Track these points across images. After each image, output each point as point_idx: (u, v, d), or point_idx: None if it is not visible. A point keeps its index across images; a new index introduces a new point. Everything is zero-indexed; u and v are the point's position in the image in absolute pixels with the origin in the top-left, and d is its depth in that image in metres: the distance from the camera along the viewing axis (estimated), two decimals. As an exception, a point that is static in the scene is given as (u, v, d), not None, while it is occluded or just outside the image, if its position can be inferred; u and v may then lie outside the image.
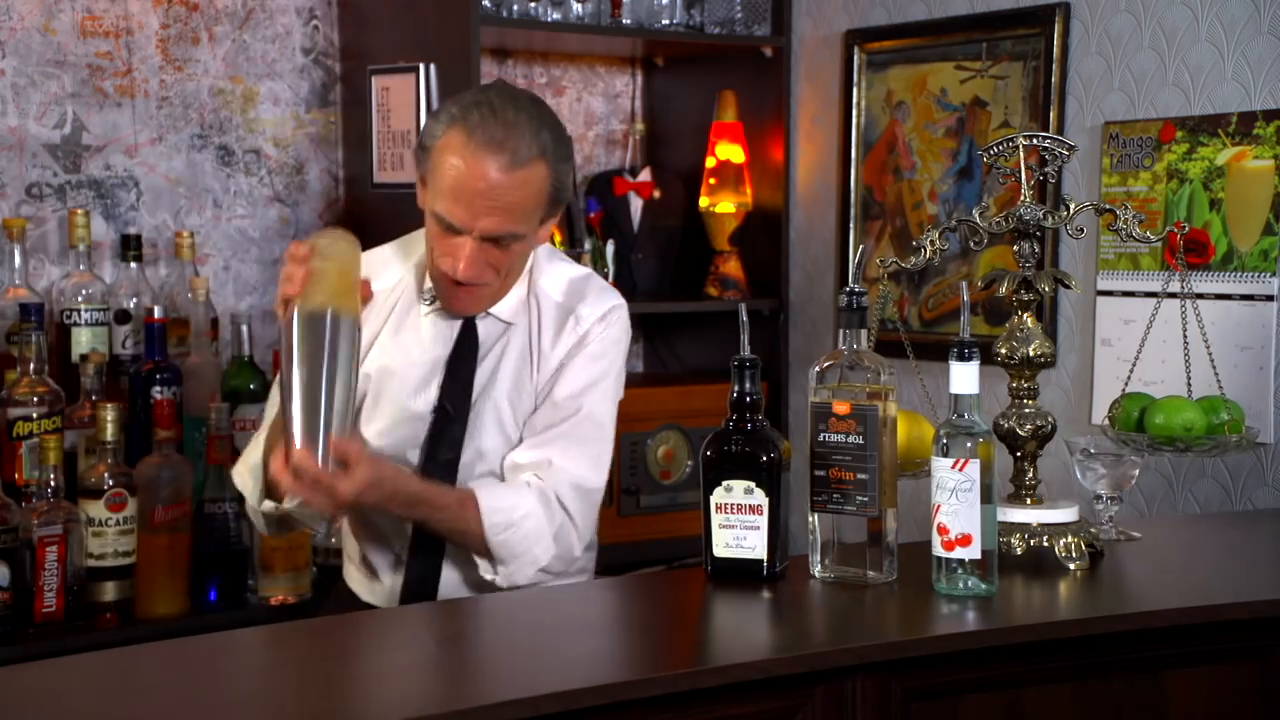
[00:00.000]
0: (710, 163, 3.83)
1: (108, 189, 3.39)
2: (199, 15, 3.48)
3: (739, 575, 2.18)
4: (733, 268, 3.83)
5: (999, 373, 2.37)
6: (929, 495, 2.13)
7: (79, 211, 3.22)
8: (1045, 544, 2.27)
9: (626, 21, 3.73)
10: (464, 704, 1.73)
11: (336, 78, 3.65)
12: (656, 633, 2.12)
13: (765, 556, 2.17)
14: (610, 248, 3.73)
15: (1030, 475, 2.34)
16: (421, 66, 3.39)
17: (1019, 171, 2.37)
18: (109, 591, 2.95)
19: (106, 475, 2.93)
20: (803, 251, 3.85)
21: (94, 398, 3.04)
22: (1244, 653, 2.16)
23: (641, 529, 3.57)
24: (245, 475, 2.47)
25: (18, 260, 3.17)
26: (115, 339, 3.24)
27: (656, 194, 3.91)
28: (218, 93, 3.52)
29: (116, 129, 3.40)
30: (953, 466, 2.09)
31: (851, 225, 3.71)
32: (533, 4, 3.56)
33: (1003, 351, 2.34)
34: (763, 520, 2.17)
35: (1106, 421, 2.48)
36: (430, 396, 2.47)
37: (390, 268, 2.51)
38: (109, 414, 2.91)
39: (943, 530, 2.10)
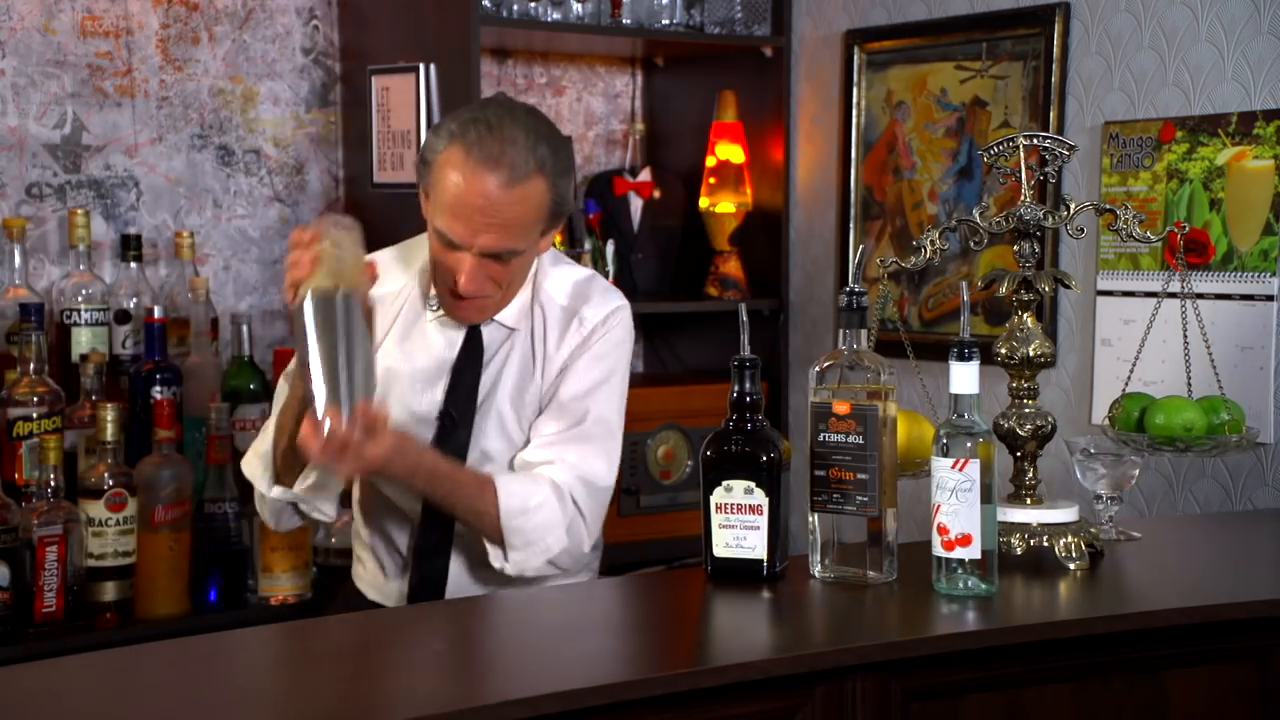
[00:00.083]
0: (710, 163, 3.83)
1: (108, 189, 3.39)
2: (199, 15, 3.48)
3: (739, 575, 2.18)
4: (733, 268, 3.83)
5: (999, 373, 2.37)
6: (929, 495, 2.13)
7: (79, 211, 3.22)
8: (1045, 544, 2.27)
9: (626, 21, 3.73)
10: (464, 704, 1.73)
11: (336, 78, 3.65)
12: (656, 633, 2.12)
13: (765, 556, 2.17)
14: (610, 248, 3.73)
15: (1030, 475, 2.34)
16: (421, 66, 3.39)
17: (1019, 171, 2.37)
18: (109, 591, 2.95)
19: (106, 475, 2.93)
20: (803, 251, 3.85)
21: (94, 398, 3.04)
22: (1243, 653, 2.16)
23: (641, 529, 3.57)
24: (255, 464, 2.47)
25: (18, 260, 3.17)
26: (115, 339, 3.24)
27: (656, 194, 3.91)
28: (218, 93, 3.52)
29: (116, 129, 3.40)
30: (953, 466, 2.09)
31: (851, 225, 3.71)
32: (533, 4, 3.56)
33: (1003, 351, 2.34)
34: (763, 520, 2.17)
35: (1106, 421, 2.48)
36: (435, 401, 2.48)
37: (392, 273, 2.52)
38: (109, 414, 2.91)
39: (943, 530, 2.11)
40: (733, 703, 1.86)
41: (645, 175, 3.92)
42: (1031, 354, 2.33)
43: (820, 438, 2.17)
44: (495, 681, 1.88)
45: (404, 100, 3.42)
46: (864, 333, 2.20)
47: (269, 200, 3.59)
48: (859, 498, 2.15)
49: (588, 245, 3.70)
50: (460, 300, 2.42)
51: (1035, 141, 2.38)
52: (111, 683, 1.86)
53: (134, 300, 3.26)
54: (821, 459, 2.17)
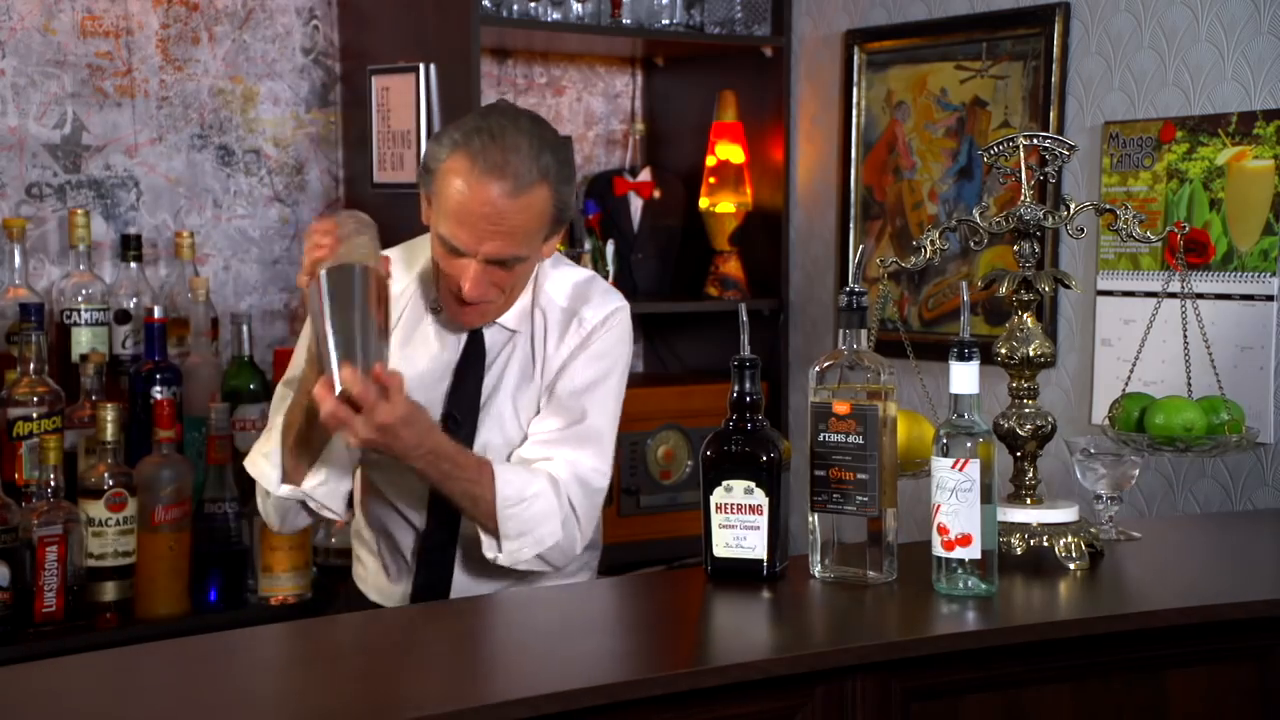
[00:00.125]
0: (710, 162, 3.83)
1: (108, 189, 3.39)
2: (199, 15, 3.48)
3: (739, 575, 2.18)
4: (733, 268, 3.83)
5: (999, 373, 2.37)
6: (929, 495, 2.13)
7: (79, 211, 3.22)
8: (1045, 544, 2.27)
9: (626, 21, 3.73)
10: (464, 704, 1.73)
11: (336, 78, 3.65)
12: (656, 633, 2.12)
13: (765, 556, 2.17)
14: (610, 248, 3.73)
15: (1030, 475, 2.34)
16: (421, 66, 3.39)
17: (1019, 171, 2.37)
18: (109, 591, 2.95)
19: (106, 475, 2.93)
20: (803, 251, 3.85)
21: (94, 398, 3.04)
22: (1243, 653, 2.16)
23: (641, 529, 3.57)
24: (262, 463, 2.47)
25: (18, 260, 3.17)
26: (115, 339, 3.24)
27: (656, 194, 3.91)
28: (218, 93, 3.52)
29: (116, 129, 3.40)
30: (953, 466, 2.09)
31: (851, 225, 3.71)
32: (533, 4, 3.56)
33: (1003, 351, 2.34)
34: (763, 520, 2.17)
35: (1106, 421, 2.48)
36: (438, 404, 2.49)
37: (395, 274, 2.52)
38: (109, 414, 2.91)
39: (943, 530, 2.11)
40: (733, 703, 1.86)
41: (645, 175, 3.92)
42: (1031, 354, 2.33)
43: (820, 438, 2.17)
44: (495, 681, 1.88)
45: (404, 100, 3.42)
46: (864, 333, 2.20)
47: (269, 200, 3.59)
48: (859, 498, 2.15)
49: (588, 245, 3.70)
50: (464, 305, 2.43)
51: (1035, 141, 2.38)
52: (111, 683, 1.86)
53: (134, 300, 3.26)
54: (821, 459, 2.17)
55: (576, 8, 3.62)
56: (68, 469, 2.97)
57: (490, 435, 2.50)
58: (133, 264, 3.29)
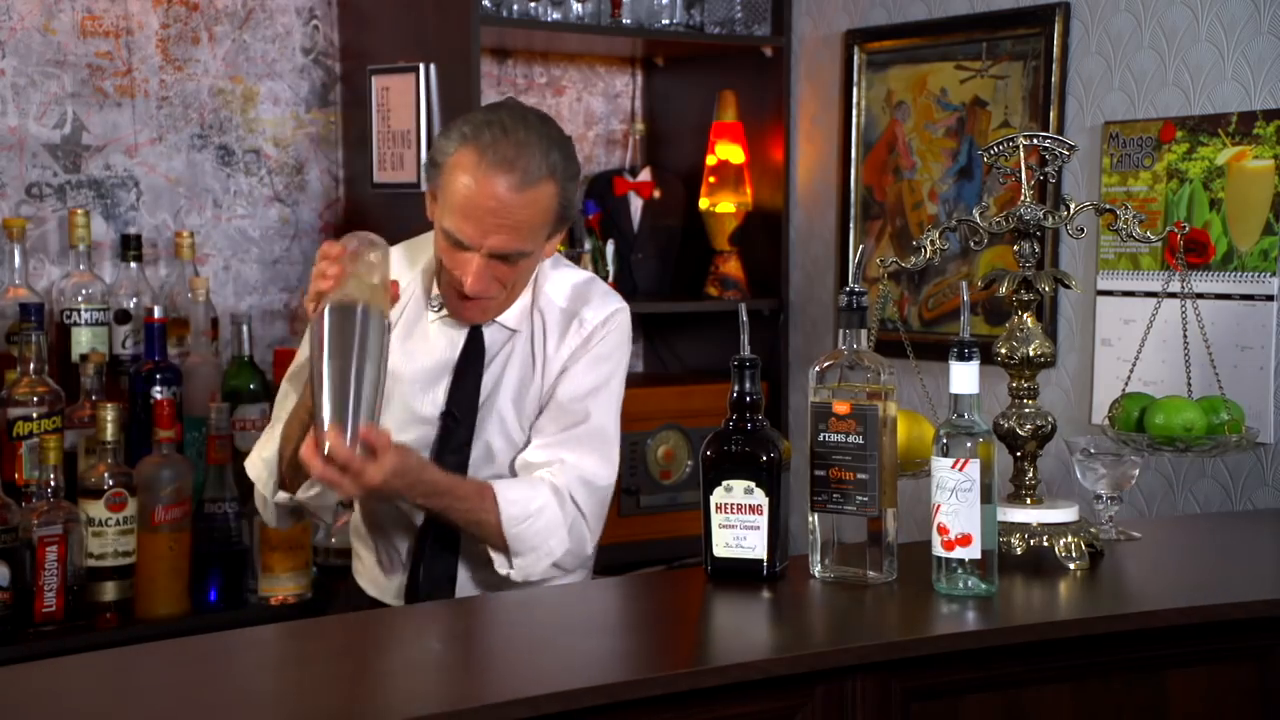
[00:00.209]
0: (710, 162, 3.83)
1: (108, 189, 3.39)
2: (199, 15, 3.48)
3: (739, 575, 2.18)
4: (733, 268, 3.83)
5: (999, 373, 2.37)
6: (929, 495, 2.13)
7: (79, 211, 3.22)
8: (1045, 544, 2.27)
9: (626, 21, 3.72)
10: (464, 704, 1.73)
11: (336, 78, 3.65)
12: (656, 632, 2.12)
13: (765, 556, 2.17)
14: (610, 248, 3.73)
15: (1030, 475, 2.34)
16: (421, 66, 3.39)
17: (1019, 171, 2.37)
18: (109, 591, 2.95)
19: (106, 475, 2.93)
20: (803, 251, 3.85)
21: (94, 398, 3.04)
22: (1243, 653, 2.16)
23: (641, 529, 3.57)
24: (260, 467, 2.50)
25: (18, 260, 3.17)
26: (115, 339, 3.23)
27: (656, 194, 3.91)
28: (218, 93, 3.52)
29: (116, 129, 3.40)
30: (953, 466, 2.09)
31: (851, 225, 3.71)
32: (533, 4, 3.56)
33: (1003, 351, 2.34)
34: (763, 520, 2.17)
35: (1106, 421, 2.48)
36: (437, 401, 2.50)
37: (397, 272, 2.53)
38: (109, 414, 2.91)
39: (943, 530, 2.11)
40: (733, 703, 1.86)
41: (645, 175, 3.92)
42: (1031, 354, 2.33)
43: (820, 438, 2.17)
44: (495, 681, 1.88)
45: (404, 100, 3.42)
46: (864, 333, 2.20)
47: (269, 200, 3.59)
48: (859, 498, 2.15)
49: (588, 245, 3.70)
50: (465, 300, 2.44)
51: (1035, 141, 2.38)
52: (111, 683, 1.86)
53: (134, 300, 3.26)
54: (821, 459, 2.17)
55: (576, 8, 3.62)
56: (68, 469, 2.97)
57: (492, 437, 2.51)
58: (133, 264, 3.29)
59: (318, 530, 3.18)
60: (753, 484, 2.17)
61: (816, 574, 2.19)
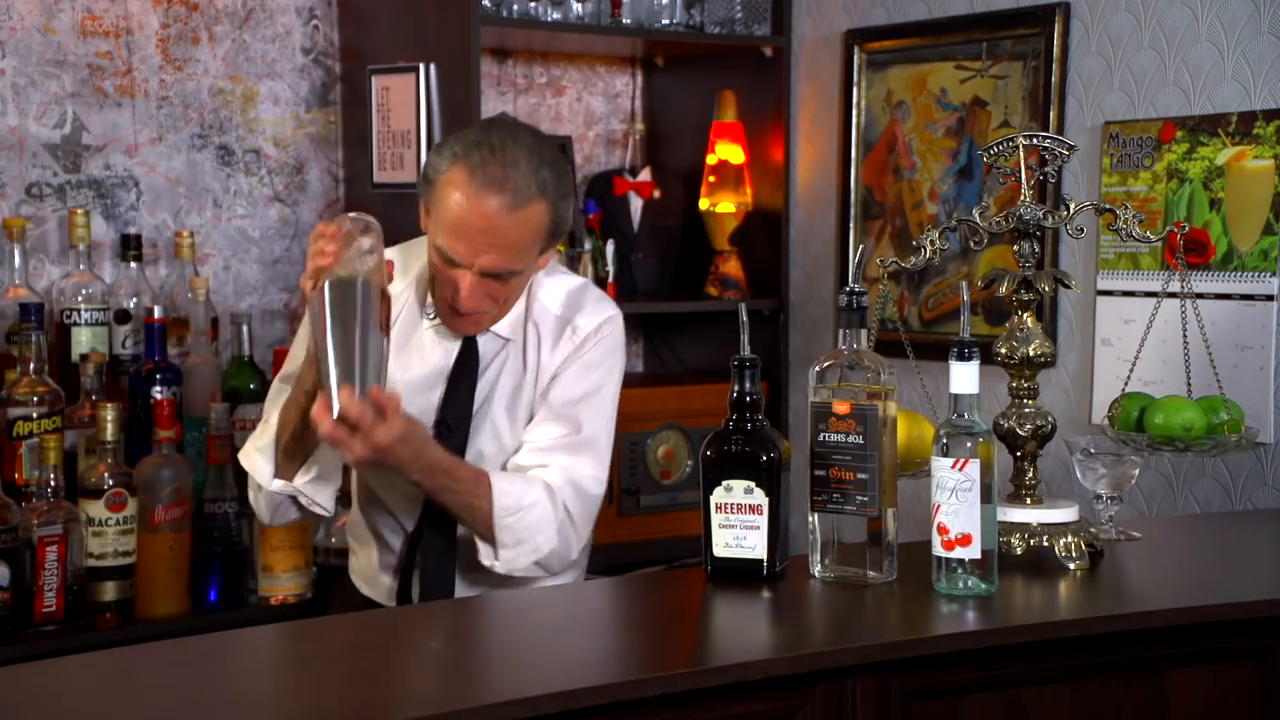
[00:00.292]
0: (710, 162, 3.83)
1: (108, 189, 3.39)
2: (199, 15, 3.48)
3: (739, 575, 2.18)
4: (733, 268, 3.83)
5: (999, 373, 2.37)
6: (929, 495, 2.13)
7: (79, 211, 3.22)
8: (1045, 544, 2.27)
9: (626, 21, 3.72)
10: (464, 704, 1.73)
11: (336, 78, 3.65)
12: (656, 632, 2.12)
13: (765, 556, 2.17)
14: (610, 248, 3.73)
15: (1030, 475, 2.34)
16: (421, 66, 3.39)
17: (1019, 171, 2.37)
18: (109, 591, 2.95)
19: (106, 475, 2.93)
20: (803, 251, 3.85)
21: (94, 398, 3.04)
22: (1243, 653, 2.16)
23: (641, 529, 3.57)
24: (255, 456, 2.48)
25: (18, 260, 3.17)
26: (115, 339, 3.24)
27: (656, 194, 3.91)
28: (218, 92, 3.52)
29: (116, 129, 3.40)
30: (953, 466, 2.09)
31: (851, 225, 3.71)
32: (533, 4, 3.56)
33: (1003, 351, 2.34)
34: (763, 520, 2.17)
35: (1106, 421, 2.48)
36: (431, 409, 2.50)
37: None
38: (109, 414, 2.91)
39: (943, 530, 2.11)
40: (733, 703, 1.86)
41: (645, 175, 3.92)
42: (1031, 354, 2.33)
43: (820, 438, 2.17)
44: (495, 681, 1.88)
45: (404, 100, 3.42)
46: (864, 333, 2.20)
47: (269, 200, 3.59)
48: (859, 498, 2.15)
49: (588, 245, 3.70)
50: (458, 314, 2.44)
51: (1035, 141, 2.38)
52: (111, 683, 1.86)
53: (134, 300, 3.26)
54: (821, 459, 2.17)
55: (576, 8, 3.62)
56: (68, 469, 2.97)
57: (485, 444, 2.52)
58: (133, 264, 3.29)
59: (318, 530, 3.18)
60: (753, 484, 2.17)
61: (816, 574, 2.19)
